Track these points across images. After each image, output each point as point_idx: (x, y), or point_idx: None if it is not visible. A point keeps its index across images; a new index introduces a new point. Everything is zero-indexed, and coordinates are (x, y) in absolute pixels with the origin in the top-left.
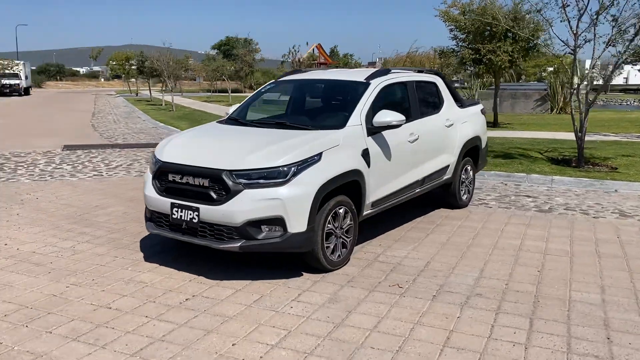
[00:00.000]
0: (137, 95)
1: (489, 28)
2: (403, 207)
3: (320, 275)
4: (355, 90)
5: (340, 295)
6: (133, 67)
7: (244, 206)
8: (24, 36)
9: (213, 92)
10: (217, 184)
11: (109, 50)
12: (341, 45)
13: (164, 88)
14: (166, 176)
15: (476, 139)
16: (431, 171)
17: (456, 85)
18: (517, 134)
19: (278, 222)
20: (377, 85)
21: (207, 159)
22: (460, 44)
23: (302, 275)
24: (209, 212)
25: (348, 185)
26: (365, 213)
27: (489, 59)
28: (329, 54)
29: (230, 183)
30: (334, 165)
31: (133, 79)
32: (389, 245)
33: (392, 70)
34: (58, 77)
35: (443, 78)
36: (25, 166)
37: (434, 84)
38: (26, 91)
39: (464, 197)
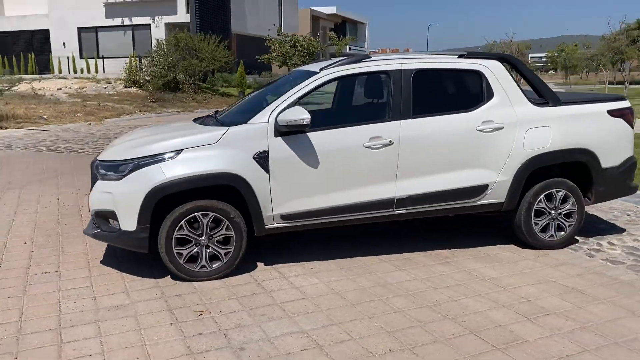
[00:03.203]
0: None
1: None
2: (439, 230)
3: (177, 283)
4: (301, 82)
5: (133, 305)
6: None
7: (93, 196)
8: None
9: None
10: (94, 173)
11: (542, 42)
12: None
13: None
14: None
15: (576, 153)
16: (433, 189)
17: None
18: None
19: (114, 216)
20: (322, 77)
21: (106, 150)
22: None
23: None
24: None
25: (227, 190)
26: (270, 226)
27: None
28: None
29: (94, 172)
30: (190, 166)
31: None
32: (318, 271)
33: (375, 58)
34: None
35: (511, 64)
36: None
37: (478, 73)
38: None
39: (545, 235)
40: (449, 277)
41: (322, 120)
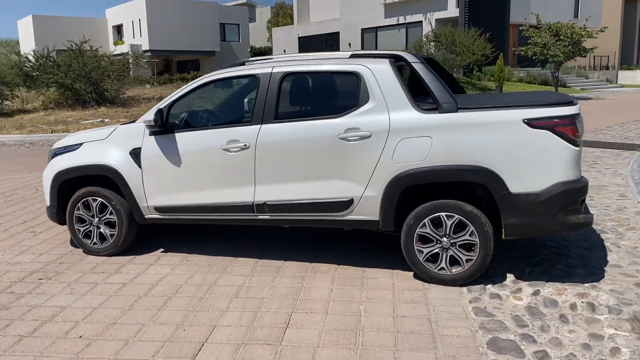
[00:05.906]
0: None
1: None
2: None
3: (79, 254)
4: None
5: (23, 264)
6: None
7: None
8: None
9: None
10: None
11: None
12: None
13: None
14: None
15: (466, 172)
16: (291, 198)
17: None
18: None
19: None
20: (196, 81)
21: None
22: None
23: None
24: None
25: (109, 180)
26: (149, 217)
27: None
28: None
29: None
30: (80, 157)
31: None
32: (186, 264)
33: (258, 60)
34: None
35: (406, 63)
36: None
37: (356, 75)
38: None
39: (434, 267)
40: (259, 290)
41: (194, 121)
